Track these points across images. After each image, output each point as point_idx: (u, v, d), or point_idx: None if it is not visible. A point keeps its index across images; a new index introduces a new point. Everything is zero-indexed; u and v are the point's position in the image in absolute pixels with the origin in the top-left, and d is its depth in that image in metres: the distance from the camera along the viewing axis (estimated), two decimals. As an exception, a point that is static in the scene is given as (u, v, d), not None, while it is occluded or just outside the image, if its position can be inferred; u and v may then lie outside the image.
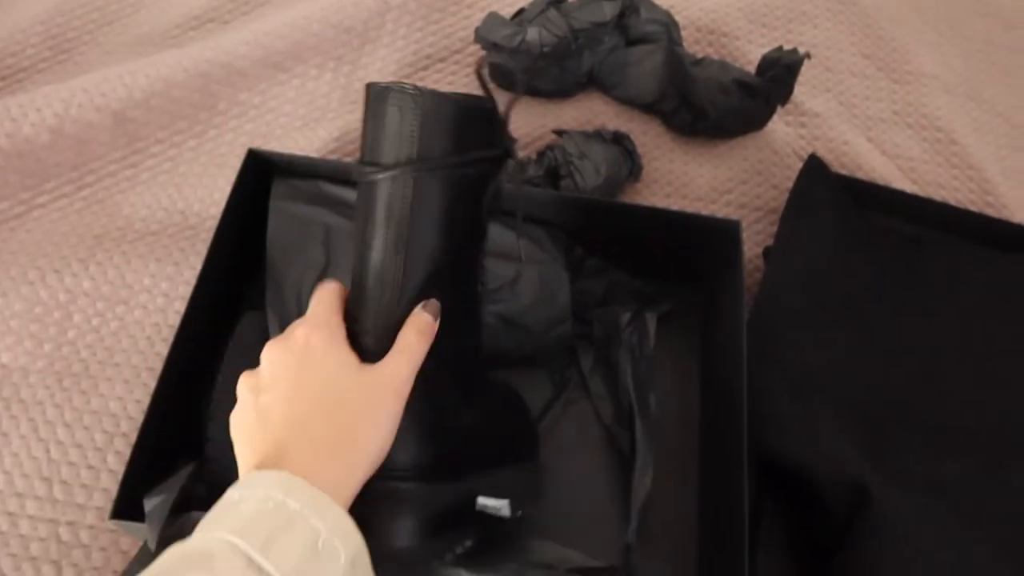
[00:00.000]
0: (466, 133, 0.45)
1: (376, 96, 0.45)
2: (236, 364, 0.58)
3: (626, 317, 0.67)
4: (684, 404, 0.66)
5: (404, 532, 0.43)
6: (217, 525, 0.32)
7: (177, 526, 0.46)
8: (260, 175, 0.64)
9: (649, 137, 0.81)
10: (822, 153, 0.81)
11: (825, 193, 0.73)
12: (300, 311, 0.59)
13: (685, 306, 0.70)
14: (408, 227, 0.44)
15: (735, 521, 0.53)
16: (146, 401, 0.53)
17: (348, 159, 0.75)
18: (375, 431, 0.38)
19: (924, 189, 0.81)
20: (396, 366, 0.41)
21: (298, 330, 0.42)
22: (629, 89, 0.81)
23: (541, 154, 0.74)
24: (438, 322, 0.43)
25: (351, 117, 0.77)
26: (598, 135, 0.75)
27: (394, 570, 0.39)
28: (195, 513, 0.47)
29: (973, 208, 0.80)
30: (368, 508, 0.38)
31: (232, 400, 0.44)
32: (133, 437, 0.52)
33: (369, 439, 0.38)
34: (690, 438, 0.65)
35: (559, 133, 0.77)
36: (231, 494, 0.34)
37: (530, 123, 0.79)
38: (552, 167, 0.73)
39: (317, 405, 0.38)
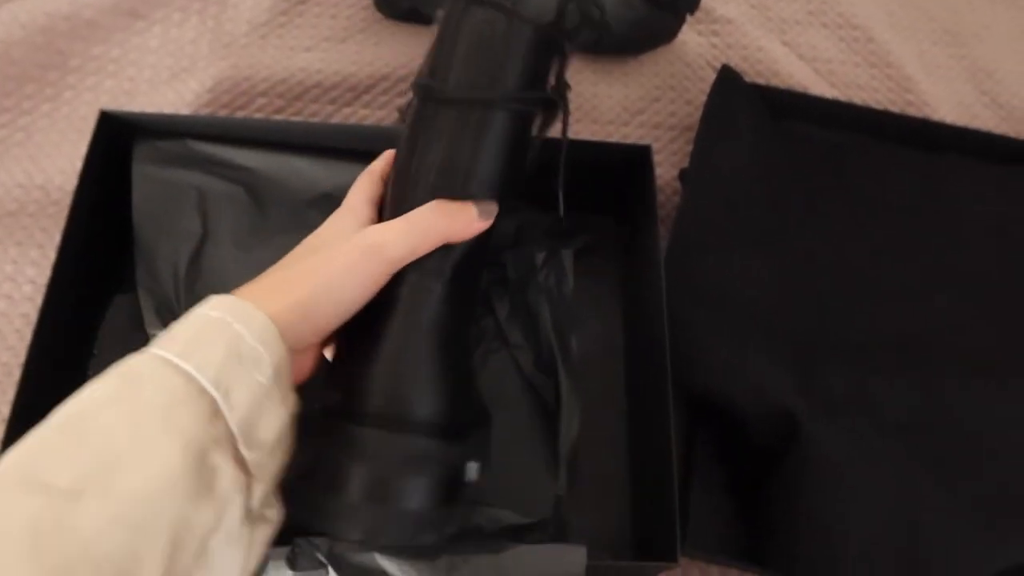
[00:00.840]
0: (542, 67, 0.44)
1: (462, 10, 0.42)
2: (108, 351, 0.53)
3: (541, 257, 0.63)
4: (608, 345, 0.63)
5: (421, 492, 0.39)
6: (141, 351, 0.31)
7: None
8: (119, 138, 0.57)
9: (554, 59, 0.75)
10: (736, 62, 0.77)
11: (740, 106, 0.69)
12: (178, 290, 0.54)
13: (603, 240, 0.66)
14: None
15: (664, 462, 0.51)
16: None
17: (223, 112, 0.68)
18: (336, 281, 0.34)
19: (843, 92, 0.78)
20: (389, 231, 0.36)
21: None
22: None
23: (437, 88, 0.68)
24: (481, 226, 0.39)
25: (223, 64, 0.70)
26: (497, 62, 0.70)
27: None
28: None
29: (894, 108, 0.77)
30: (384, 463, 0.36)
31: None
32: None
33: (328, 287, 0.34)
34: (616, 380, 0.62)
35: (455, 63, 0.71)
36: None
37: (421, 53, 0.72)
38: (449, 101, 0.67)
39: (294, 255, 0.37)
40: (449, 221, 0.37)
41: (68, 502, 0.23)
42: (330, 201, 0.57)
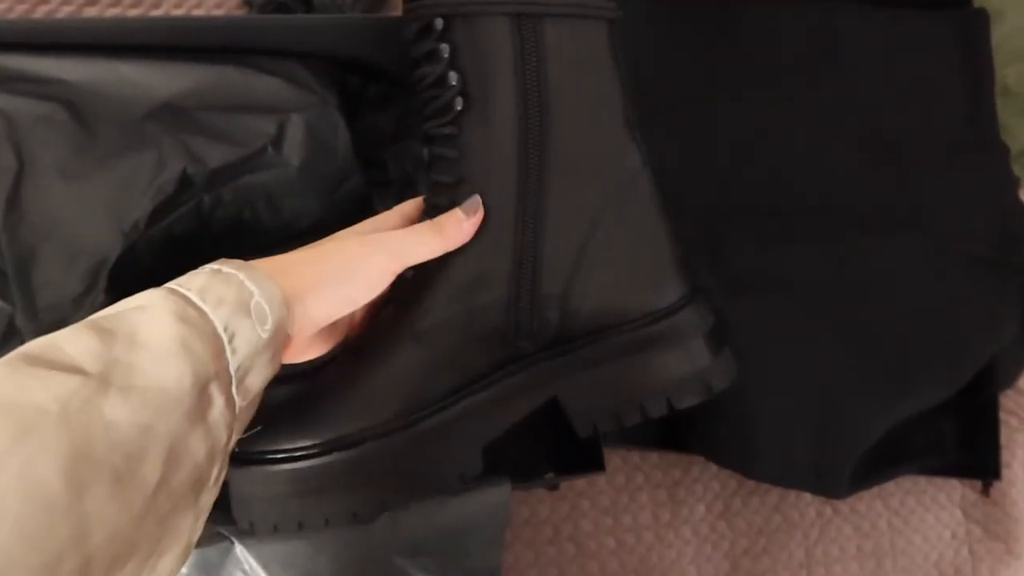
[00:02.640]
0: None
1: None
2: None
3: (426, 150, 0.58)
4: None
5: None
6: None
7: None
8: None
9: (415, -81, 0.66)
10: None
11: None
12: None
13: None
14: None
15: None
16: None
17: (21, 8, 0.57)
18: (348, 269, 0.36)
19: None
20: (412, 233, 0.37)
21: None
22: None
23: (283, -36, 0.59)
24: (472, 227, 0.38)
25: (14, -51, 0.57)
26: (349, -73, 0.60)
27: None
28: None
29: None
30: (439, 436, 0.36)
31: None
32: None
33: (339, 274, 0.36)
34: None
35: (300, -69, 0.61)
36: None
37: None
38: (299, -21, 0.59)
39: (320, 241, 0.39)
40: (445, 235, 0.37)
41: (97, 386, 0.26)
42: (173, 111, 0.49)
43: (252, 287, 0.33)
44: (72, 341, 0.27)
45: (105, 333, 0.28)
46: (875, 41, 0.66)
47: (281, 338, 0.34)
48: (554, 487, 0.57)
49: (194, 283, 0.32)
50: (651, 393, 0.38)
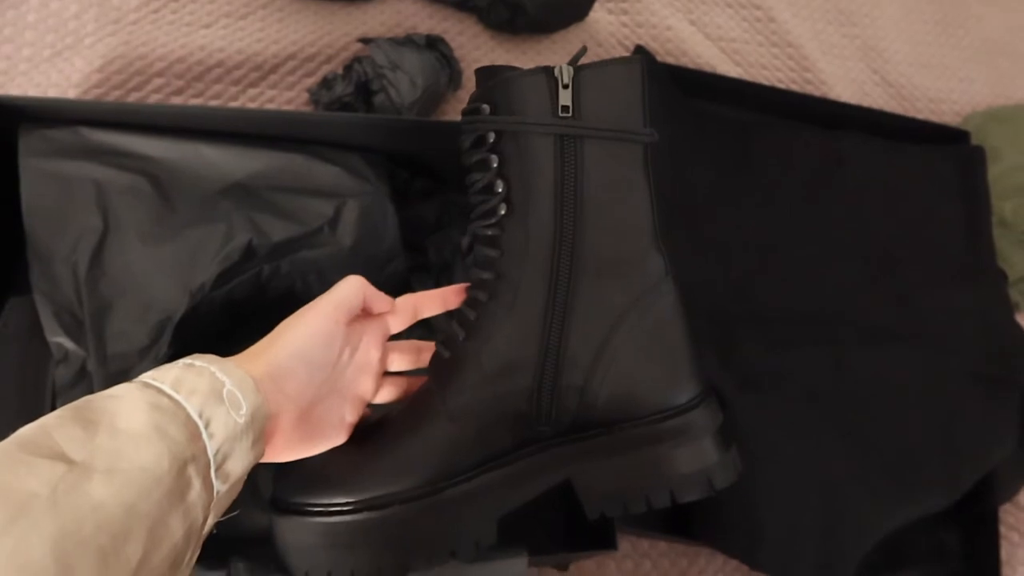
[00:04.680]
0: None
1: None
2: (3, 360, 0.49)
3: (465, 241, 0.62)
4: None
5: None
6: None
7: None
8: (3, 127, 0.52)
9: (466, 38, 0.74)
10: (646, 41, 0.78)
11: (653, 84, 0.70)
12: (79, 291, 0.50)
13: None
14: None
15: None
16: None
17: (116, 93, 0.63)
18: (293, 333, 0.39)
19: (748, 71, 0.80)
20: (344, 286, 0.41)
21: None
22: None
23: (348, 68, 0.66)
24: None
25: (113, 40, 0.65)
26: (410, 41, 0.68)
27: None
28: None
29: (795, 87, 0.80)
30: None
31: (3, 398, 0.47)
32: None
33: (286, 340, 0.38)
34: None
35: (365, 42, 0.68)
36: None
37: (330, 31, 0.70)
38: (362, 82, 0.65)
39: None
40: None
41: (83, 471, 0.28)
42: (244, 190, 0.54)
43: (223, 377, 0.34)
44: (59, 429, 0.29)
45: (88, 422, 0.30)
46: (878, 168, 0.72)
47: (261, 423, 0.35)
48: (564, 567, 0.58)
49: (167, 376, 0.33)
50: (657, 486, 0.40)
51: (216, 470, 0.33)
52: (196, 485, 0.31)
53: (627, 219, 0.41)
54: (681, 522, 0.58)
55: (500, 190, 0.40)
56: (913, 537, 0.63)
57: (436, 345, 0.43)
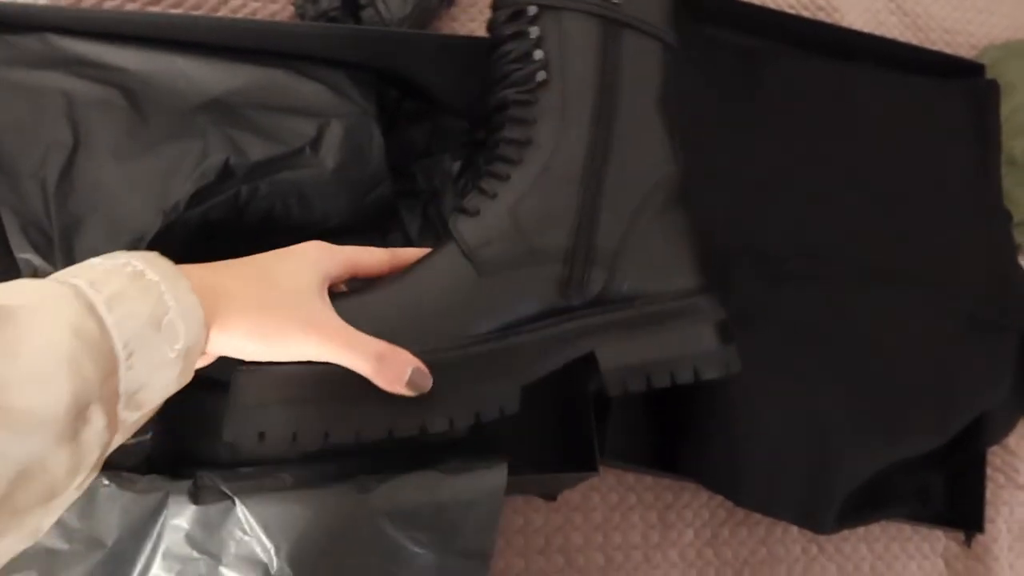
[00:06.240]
0: None
1: None
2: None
3: (456, 166, 0.60)
4: (524, 257, 0.61)
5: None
6: (65, 275, 0.30)
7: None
8: (-36, 33, 0.49)
9: (462, -49, 0.70)
10: (652, -40, 0.74)
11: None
12: (48, 206, 0.48)
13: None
14: None
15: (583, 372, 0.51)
16: None
17: (90, 1, 0.60)
18: (282, 335, 0.35)
19: (758, -6, 0.76)
20: (354, 350, 0.36)
21: None
22: None
23: (335, -20, 0.62)
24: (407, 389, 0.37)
25: (86, -56, 0.61)
26: (401, -48, 0.64)
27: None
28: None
29: (806, 13, 0.76)
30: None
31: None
32: None
33: (275, 333, 0.35)
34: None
35: (354, -48, 0.65)
36: (90, 260, 0.32)
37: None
38: (350, -5, 0.62)
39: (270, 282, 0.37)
40: (377, 372, 0.37)
41: None
42: (222, 106, 0.52)
43: (171, 301, 0.30)
44: None
45: None
46: (888, 101, 0.69)
47: (194, 356, 0.32)
48: (552, 497, 0.58)
49: (109, 286, 0.29)
50: (681, 361, 0.40)
51: (126, 404, 0.29)
52: (97, 424, 0.28)
53: (652, 111, 0.44)
54: (667, 457, 0.58)
55: (539, 59, 0.41)
56: (896, 477, 0.62)
57: (453, 212, 0.42)
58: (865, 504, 0.59)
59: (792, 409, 0.56)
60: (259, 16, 0.64)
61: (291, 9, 0.64)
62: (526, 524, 0.58)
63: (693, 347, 0.41)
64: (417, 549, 0.42)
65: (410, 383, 0.36)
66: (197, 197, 0.49)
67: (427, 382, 0.37)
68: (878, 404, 0.58)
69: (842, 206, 0.65)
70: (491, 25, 0.44)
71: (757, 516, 0.62)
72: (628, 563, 0.59)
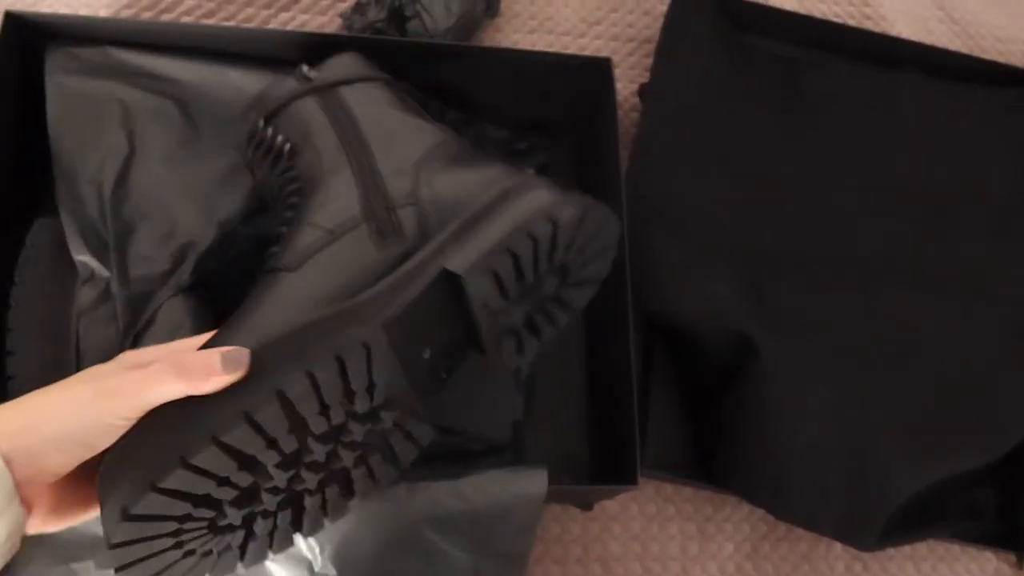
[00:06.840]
0: None
1: None
2: (30, 278, 0.49)
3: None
4: (564, 265, 0.61)
5: None
6: None
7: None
8: (29, 45, 0.52)
9: (506, -37, 0.71)
10: (697, -30, 0.74)
11: (702, 18, 0.67)
12: (104, 212, 0.49)
13: (561, 156, 0.64)
14: None
15: (624, 385, 0.51)
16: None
17: (147, 14, 0.62)
18: (84, 421, 0.33)
19: (803, 3, 0.76)
20: (150, 379, 0.33)
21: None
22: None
23: (381, -8, 0.64)
24: (224, 380, 0.34)
25: (145, -40, 0.63)
26: (446, -35, 0.65)
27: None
28: None
29: (852, 22, 0.76)
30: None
31: (29, 316, 0.47)
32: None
33: (75, 428, 0.33)
34: (573, 301, 0.61)
35: (401, -35, 0.66)
36: None
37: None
38: (395, 7, 0.63)
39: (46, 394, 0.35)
40: (181, 375, 0.33)
41: None
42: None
43: None
44: None
45: None
46: (935, 111, 0.68)
47: (7, 493, 0.32)
48: (588, 507, 0.58)
49: None
50: (530, 221, 0.40)
51: None
52: None
53: (384, 107, 0.49)
54: (706, 468, 0.57)
55: (281, 140, 0.47)
56: (946, 494, 0.61)
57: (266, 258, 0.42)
58: (912, 521, 0.58)
59: (834, 420, 0.55)
60: (308, 28, 0.65)
61: (338, 22, 0.66)
62: (563, 532, 0.58)
63: (536, 205, 0.41)
64: (455, 552, 0.42)
65: (226, 364, 0.33)
66: (251, 210, 0.51)
67: (244, 356, 0.34)
68: (924, 417, 0.57)
69: (884, 216, 0.64)
70: (249, 163, 0.50)
71: (799, 531, 0.61)
72: (666, 574, 0.58)
